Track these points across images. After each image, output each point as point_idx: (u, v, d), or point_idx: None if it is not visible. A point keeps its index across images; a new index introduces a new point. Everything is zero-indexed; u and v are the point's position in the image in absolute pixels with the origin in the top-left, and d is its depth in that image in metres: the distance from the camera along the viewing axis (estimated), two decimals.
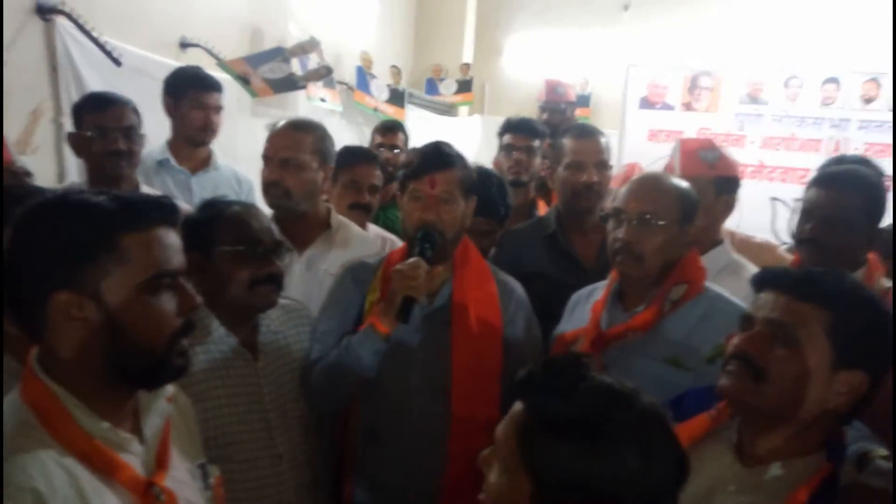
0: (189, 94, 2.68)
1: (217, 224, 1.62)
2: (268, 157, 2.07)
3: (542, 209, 2.86)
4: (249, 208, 1.71)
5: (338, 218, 2.19)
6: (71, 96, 2.65)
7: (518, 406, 0.93)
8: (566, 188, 2.30)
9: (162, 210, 1.04)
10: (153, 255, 1.01)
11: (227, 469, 1.51)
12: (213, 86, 2.74)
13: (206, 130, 2.72)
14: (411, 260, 1.63)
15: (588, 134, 2.34)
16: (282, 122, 2.12)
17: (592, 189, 2.25)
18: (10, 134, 2.51)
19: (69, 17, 2.70)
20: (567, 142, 2.32)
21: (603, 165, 2.29)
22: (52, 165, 2.73)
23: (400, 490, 1.73)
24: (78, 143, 2.23)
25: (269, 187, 2.05)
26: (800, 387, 1.12)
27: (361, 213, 2.45)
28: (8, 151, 1.88)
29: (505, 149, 2.91)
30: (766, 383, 1.13)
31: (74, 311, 0.96)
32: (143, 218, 1.01)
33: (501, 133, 2.96)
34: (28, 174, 1.90)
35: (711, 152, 2.05)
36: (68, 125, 2.36)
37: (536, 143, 2.86)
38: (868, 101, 4.56)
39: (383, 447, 1.74)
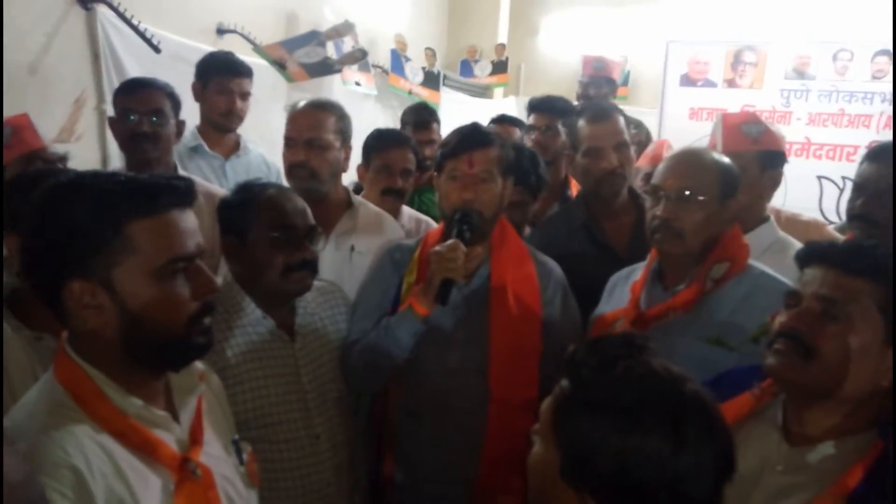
0: (215, 78, 2.68)
1: (252, 208, 1.62)
2: (292, 139, 2.04)
3: (575, 187, 2.82)
4: (285, 192, 1.70)
5: (357, 197, 2.18)
6: (112, 84, 2.69)
7: (563, 382, 0.93)
8: (588, 176, 2.20)
9: (173, 193, 1.01)
10: (164, 241, 0.99)
11: (265, 449, 1.55)
12: (239, 71, 2.72)
13: (231, 116, 2.70)
14: (449, 241, 1.62)
15: (603, 116, 2.20)
16: (301, 103, 2.10)
17: (616, 173, 2.14)
18: (55, 122, 2.57)
19: (109, 5, 2.74)
20: (582, 126, 2.20)
21: (622, 147, 2.17)
22: (95, 153, 2.79)
23: (439, 469, 1.75)
24: (113, 127, 2.25)
25: (294, 169, 2.02)
26: (851, 364, 1.08)
27: (394, 197, 2.42)
28: (39, 137, 1.90)
29: (528, 130, 2.88)
30: (816, 361, 1.10)
31: (88, 299, 0.96)
32: (151, 203, 0.98)
33: (527, 114, 2.93)
34: (62, 159, 1.92)
35: (755, 126, 1.98)
36: (110, 112, 2.39)
37: (558, 120, 2.81)
38: None
39: (422, 427, 1.75)
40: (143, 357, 1.01)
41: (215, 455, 1.13)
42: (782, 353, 1.13)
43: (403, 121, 3.37)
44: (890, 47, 4.39)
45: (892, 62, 4.38)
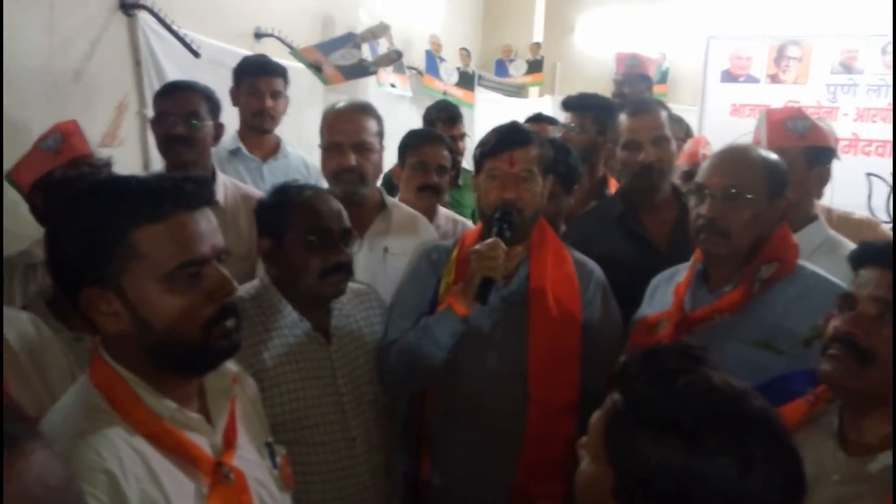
0: (247, 80, 2.70)
1: (288, 210, 1.62)
2: (338, 143, 2.00)
3: (613, 186, 2.77)
4: (321, 194, 1.70)
5: (390, 198, 2.17)
6: (153, 89, 2.72)
7: (616, 395, 0.88)
8: (626, 169, 2.21)
9: (180, 195, 0.98)
10: (172, 246, 0.97)
11: (301, 452, 1.54)
12: (268, 70, 2.72)
13: (262, 115, 2.70)
14: (490, 240, 1.60)
15: (643, 110, 2.20)
16: (340, 105, 2.08)
17: (653, 168, 2.12)
18: (98, 128, 2.62)
19: (150, 11, 2.79)
20: (622, 120, 2.21)
21: (662, 140, 2.15)
22: (137, 157, 2.84)
23: (476, 473, 1.72)
24: (154, 129, 2.26)
25: (343, 174, 1.99)
26: None
27: (431, 194, 2.41)
28: (87, 143, 1.94)
29: (559, 128, 2.85)
30: (875, 367, 1.05)
31: (104, 306, 0.97)
32: (156, 208, 0.96)
33: (564, 109, 2.91)
34: (107, 165, 1.95)
35: (801, 122, 1.91)
36: (152, 115, 2.42)
37: (589, 118, 2.77)
38: None
39: (460, 430, 1.73)
40: (165, 362, 1.00)
41: (249, 458, 1.12)
42: (838, 358, 1.09)
43: (429, 119, 3.36)
44: None
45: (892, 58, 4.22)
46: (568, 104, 2.86)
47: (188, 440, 1.00)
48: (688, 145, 2.93)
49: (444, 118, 3.28)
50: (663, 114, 2.20)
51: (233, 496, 1.02)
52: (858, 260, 1.15)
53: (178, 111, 2.17)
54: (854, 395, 1.10)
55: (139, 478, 0.93)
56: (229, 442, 1.08)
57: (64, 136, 1.88)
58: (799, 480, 0.82)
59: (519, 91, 6.19)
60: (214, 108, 2.26)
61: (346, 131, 2.01)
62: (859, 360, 1.06)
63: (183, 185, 0.99)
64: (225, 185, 2.29)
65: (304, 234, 1.59)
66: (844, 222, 2.13)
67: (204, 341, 1.00)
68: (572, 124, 2.79)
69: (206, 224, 1.01)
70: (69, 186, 1.47)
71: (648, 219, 2.18)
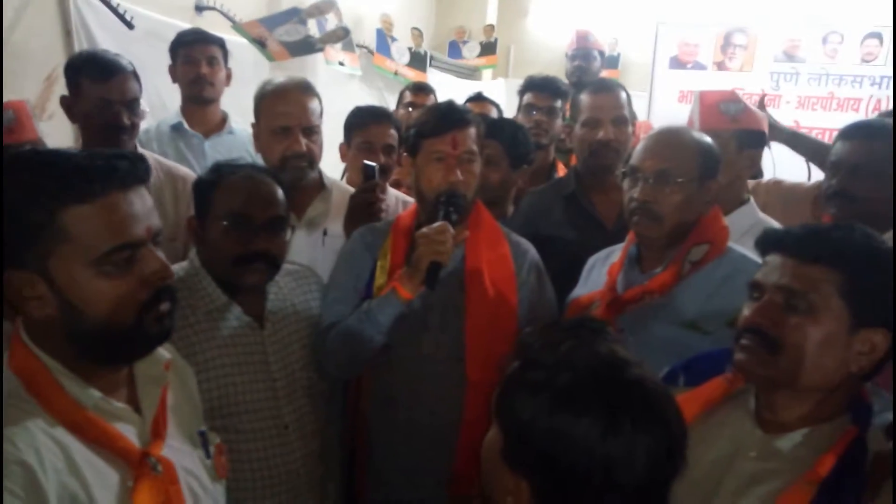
0: (181, 51, 2.63)
1: (216, 191, 1.55)
2: (286, 127, 1.91)
3: (562, 172, 2.78)
4: (253, 177, 1.59)
5: (329, 178, 2.12)
6: None
7: (514, 364, 0.91)
8: (583, 146, 2.21)
9: (113, 173, 0.92)
10: (104, 228, 0.91)
11: (232, 439, 1.50)
12: (202, 38, 2.66)
13: (201, 82, 2.62)
14: (437, 224, 1.57)
15: (605, 89, 2.23)
16: (280, 83, 1.99)
17: (610, 146, 2.15)
18: (25, 100, 2.50)
19: None
20: (584, 97, 2.22)
21: (621, 121, 2.18)
22: (68, 131, 2.71)
23: (415, 458, 1.71)
24: (73, 109, 2.11)
25: (295, 159, 1.92)
26: (819, 354, 1.06)
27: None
28: (35, 130, 1.84)
29: (525, 109, 2.80)
30: (783, 355, 1.07)
31: (27, 290, 0.91)
32: (87, 188, 0.90)
33: (522, 91, 2.86)
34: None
35: (734, 105, 1.94)
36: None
37: (559, 103, 2.76)
38: None
39: (397, 414, 1.71)
40: (92, 349, 0.95)
41: (179, 448, 1.08)
42: (748, 348, 1.11)
43: (405, 87, 3.37)
44: (879, 30, 4.35)
45: (881, 45, 4.34)
46: (538, 86, 2.79)
47: (113, 431, 0.96)
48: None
49: (413, 86, 3.30)
50: (623, 95, 2.22)
51: (160, 488, 0.98)
52: (762, 247, 1.17)
53: (121, 99, 2.03)
54: (767, 382, 1.13)
55: (58, 470, 0.89)
56: (158, 432, 1.03)
57: (17, 116, 1.80)
58: (673, 451, 0.84)
59: (472, 73, 6.15)
60: (141, 87, 2.16)
61: (293, 114, 1.93)
62: (768, 349, 1.08)
63: (116, 163, 0.92)
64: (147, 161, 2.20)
65: (222, 218, 1.53)
66: (776, 187, 2.20)
67: (137, 327, 0.95)
68: (547, 107, 2.73)
69: (141, 204, 0.95)
70: None
71: (599, 198, 2.20)
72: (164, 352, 1.08)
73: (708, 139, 1.60)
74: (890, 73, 4.32)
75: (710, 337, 1.46)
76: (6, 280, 0.90)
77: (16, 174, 0.90)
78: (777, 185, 2.31)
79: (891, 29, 4.26)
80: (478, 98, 2.99)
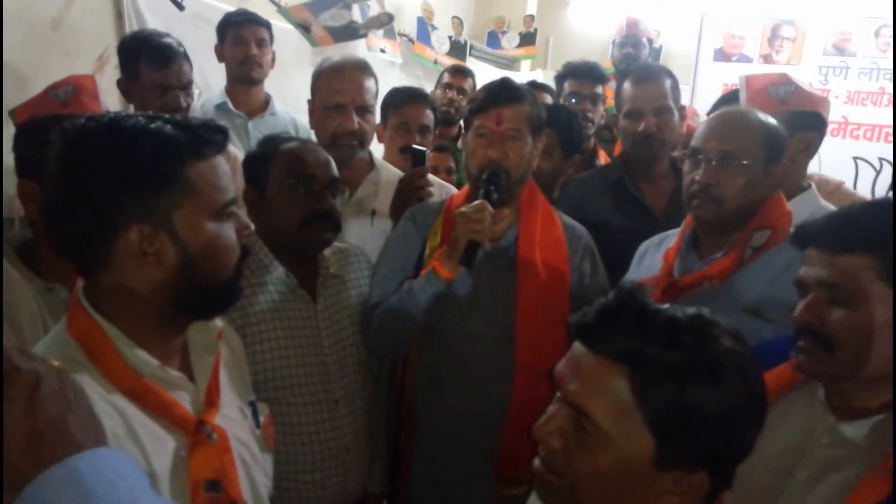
0: (230, 32, 2.65)
1: (272, 159, 1.58)
2: (341, 104, 1.92)
3: (604, 160, 2.74)
4: (307, 143, 1.66)
5: (379, 160, 2.12)
6: None
7: (607, 369, 0.82)
8: (626, 137, 2.18)
9: (221, 134, 1.00)
10: (219, 183, 0.97)
11: (282, 412, 1.52)
12: (252, 19, 2.67)
13: (250, 63, 2.64)
14: (476, 202, 1.56)
15: (647, 78, 2.17)
16: (338, 61, 2.00)
17: (653, 137, 2.10)
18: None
19: None
20: (626, 87, 2.18)
21: (664, 111, 2.12)
22: (118, 110, 2.76)
23: (460, 439, 1.70)
24: (131, 92, 2.16)
25: (346, 136, 1.92)
26: (874, 342, 1.02)
27: None
28: (97, 103, 1.86)
29: (567, 97, 2.76)
30: (840, 351, 1.04)
31: (147, 246, 0.92)
32: (207, 145, 0.97)
33: (561, 78, 2.82)
34: None
35: (784, 87, 1.88)
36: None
37: (600, 89, 2.72)
38: None
39: (444, 394, 1.70)
40: (191, 304, 0.98)
41: (231, 417, 1.08)
42: (805, 349, 1.08)
43: (445, 69, 3.36)
44: None
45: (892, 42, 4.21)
46: (580, 72, 2.76)
47: (170, 398, 0.96)
48: None
49: (452, 68, 3.28)
50: (668, 82, 2.15)
51: (214, 456, 0.99)
52: (798, 242, 1.14)
53: (178, 84, 2.10)
54: (830, 378, 1.10)
55: (118, 435, 0.89)
56: (212, 400, 1.04)
57: (76, 90, 1.82)
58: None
59: (511, 64, 6.10)
60: (192, 69, 2.20)
61: (349, 91, 1.94)
62: (824, 347, 1.05)
63: (214, 129, 0.99)
64: None
65: (285, 179, 1.55)
66: (841, 194, 2.12)
67: (234, 280, 1.01)
68: (592, 94, 2.71)
69: (228, 168, 1.02)
70: (44, 127, 1.41)
71: (647, 186, 2.16)
72: (217, 320, 1.09)
73: (773, 121, 1.56)
74: None
75: (772, 324, 1.42)
76: (126, 237, 0.91)
77: (131, 133, 0.92)
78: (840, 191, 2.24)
79: None
80: (532, 86, 2.96)
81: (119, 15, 2.72)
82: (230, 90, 2.71)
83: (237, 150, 2.28)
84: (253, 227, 1.06)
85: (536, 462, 0.89)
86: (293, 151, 1.59)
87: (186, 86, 2.13)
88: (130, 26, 2.73)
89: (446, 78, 3.28)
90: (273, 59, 2.77)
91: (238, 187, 1.64)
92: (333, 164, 1.62)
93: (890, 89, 4.41)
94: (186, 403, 1.00)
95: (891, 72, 4.40)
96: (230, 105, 2.67)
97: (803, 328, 1.07)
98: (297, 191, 1.55)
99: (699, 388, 0.78)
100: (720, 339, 0.81)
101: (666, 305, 0.84)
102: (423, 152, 1.98)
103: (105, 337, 0.94)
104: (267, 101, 2.76)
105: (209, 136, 0.97)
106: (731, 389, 0.79)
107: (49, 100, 1.78)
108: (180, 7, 2.78)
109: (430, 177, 2.44)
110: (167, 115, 0.97)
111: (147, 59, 2.09)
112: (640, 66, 2.42)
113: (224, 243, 0.98)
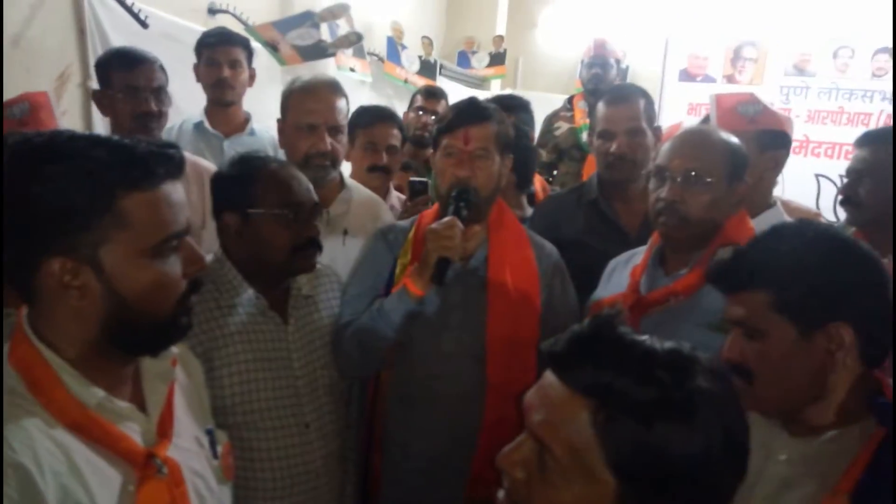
0: (204, 52, 2.63)
1: (255, 183, 1.53)
2: (313, 125, 1.90)
3: (539, 183, 2.74)
4: (288, 167, 1.62)
5: (350, 180, 2.11)
6: None
7: (572, 400, 0.76)
8: (599, 158, 2.18)
9: (170, 163, 0.91)
10: (159, 217, 0.90)
11: (250, 438, 1.49)
12: (226, 40, 2.64)
13: (222, 86, 2.62)
14: (446, 219, 1.55)
15: (620, 99, 2.15)
16: (309, 81, 1.99)
17: (625, 159, 2.08)
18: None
19: None
20: (600, 107, 2.18)
21: (636, 132, 2.09)
22: (79, 129, 2.71)
23: (431, 459, 1.68)
24: (104, 101, 2.15)
25: (317, 157, 1.90)
26: (784, 371, 1.05)
27: (381, 174, 2.35)
28: (54, 119, 1.82)
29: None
30: (758, 383, 1.06)
31: (69, 279, 0.86)
32: (147, 175, 0.88)
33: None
34: None
35: (752, 106, 1.92)
36: (96, 87, 2.30)
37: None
38: None
39: (415, 414, 1.69)
40: (125, 342, 0.92)
41: (186, 448, 1.04)
42: (739, 386, 1.09)
43: (416, 91, 3.36)
44: (889, 45, 4.35)
45: (892, 60, 4.35)
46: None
47: (116, 431, 0.92)
48: (667, 131, 2.93)
49: (424, 90, 3.27)
50: (641, 103, 2.13)
51: (164, 490, 0.94)
52: (710, 283, 1.17)
53: (147, 86, 2.09)
54: (770, 412, 1.11)
55: (58, 472, 0.84)
56: (164, 431, 0.99)
57: (32, 108, 1.78)
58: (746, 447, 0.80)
59: (481, 83, 6.15)
60: (167, 79, 2.18)
61: (321, 112, 1.92)
62: (745, 380, 1.07)
63: (170, 153, 0.92)
64: None
65: (276, 208, 1.51)
66: (786, 208, 2.17)
67: (173, 318, 0.95)
68: None
69: (183, 196, 0.94)
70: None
71: (621, 207, 2.17)
72: (172, 347, 1.04)
73: (736, 140, 1.58)
74: None
75: None
76: (48, 268, 0.86)
77: (62, 159, 0.85)
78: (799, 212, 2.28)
79: None
80: (506, 101, 3.01)
81: (81, 32, 2.67)
82: (208, 110, 2.69)
83: (212, 166, 2.25)
84: (206, 260, 0.99)
85: (500, 494, 0.84)
86: (279, 178, 1.55)
87: (157, 90, 2.11)
88: (93, 44, 2.69)
89: (419, 101, 3.28)
90: (252, 77, 2.75)
91: (206, 205, 1.62)
92: (313, 188, 1.61)
93: (849, 109, 4.54)
94: (136, 435, 0.95)
95: (849, 91, 4.54)
96: (207, 124, 2.65)
97: (728, 365, 1.09)
98: (288, 220, 1.52)
99: (668, 428, 0.71)
100: (697, 378, 0.74)
101: (644, 337, 0.78)
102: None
103: (47, 366, 0.89)
104: (246, 121, 2.74)
105: (152, 166, 0.89)
106: (703, 431, 0.72)
107: (5, 119, 1.74)
108: (144, 25, 2.75)
109: (395, 193, 2.44)
110: (116, 139, 0.90)
111: (117, 62, 2.12)
112: (615, 86, 2.42)
113: (161, 281, 0.91)
